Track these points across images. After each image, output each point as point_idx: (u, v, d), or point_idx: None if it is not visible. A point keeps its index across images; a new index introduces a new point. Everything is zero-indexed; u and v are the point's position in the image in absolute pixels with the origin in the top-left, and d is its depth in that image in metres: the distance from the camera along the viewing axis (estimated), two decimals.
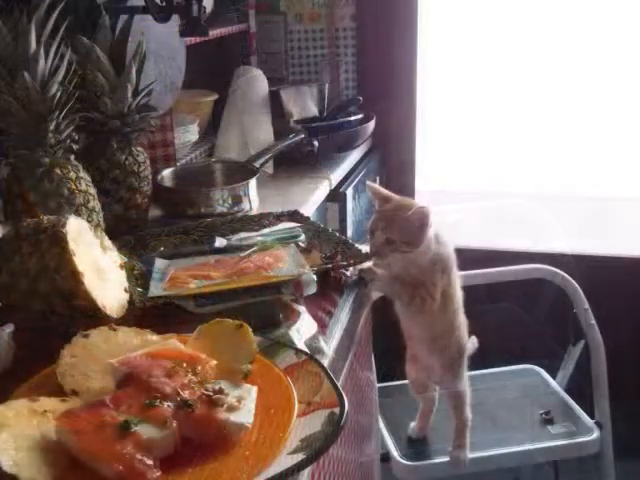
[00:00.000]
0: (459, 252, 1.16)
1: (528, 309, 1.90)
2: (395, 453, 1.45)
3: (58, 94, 0.98)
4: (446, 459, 1.40)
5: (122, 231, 1.17)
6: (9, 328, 0.76)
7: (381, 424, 1.50)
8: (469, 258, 1.26)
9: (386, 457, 1.45)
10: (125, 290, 0.91)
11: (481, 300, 1.42)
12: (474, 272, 1.63)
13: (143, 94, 1.19)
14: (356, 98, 2.03)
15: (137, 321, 0.82)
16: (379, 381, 1.32)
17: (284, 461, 0.57)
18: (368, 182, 1.13)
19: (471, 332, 1.30)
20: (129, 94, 1.16)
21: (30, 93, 0.95)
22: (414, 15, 2.13)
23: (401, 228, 1.04)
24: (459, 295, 1.20)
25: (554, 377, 1.72)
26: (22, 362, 0.76)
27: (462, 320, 1.24)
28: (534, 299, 1.81)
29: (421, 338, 1.24)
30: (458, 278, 1.18)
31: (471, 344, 1.37)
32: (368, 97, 2.05)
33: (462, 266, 1.19)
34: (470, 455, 1.39)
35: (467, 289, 1.24)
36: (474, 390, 1.36)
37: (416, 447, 1.46)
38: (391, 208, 1.09)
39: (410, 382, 1.42)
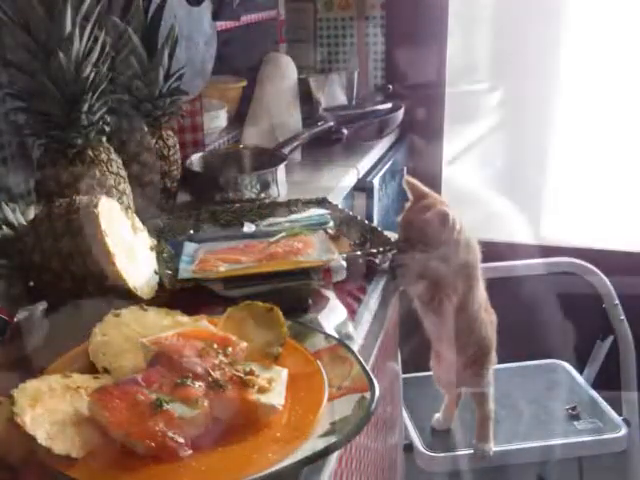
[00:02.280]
0: (485, 245, 1.14)
1: (556, 303, 1.87)
2: (418, 444, 1.44)
3: (92, 75, 0.98)
4: (470, 451, 1.39)
5: (151, 215, 1.17)
6: (42, 305, 0.77)
7: (404, 414, 1.49)
8: (495, 252, 1.24)
9: (409, 447, 1.44)
10: (155, 272, 0.91)
11: (508, 293, 1.40)
12: (501, 264, 1.61)
13: (174, 78, 1.20)
14: (386, 86, 2.02)
15: (167, 303, 0.82)
16: (403, 372, 1.32)
17: (315, 443, 0.57)
18: (406, 176, 1.11)
19: (498, 325, 1.29)
20: (160, 77, 1.17)
21: (64, 74, 0.95)
22: (444, 4, 2.11)
23: (419, 228, 1.02)
24: (482, 296, 1.18)
25: (581, 373, 1.70)
26: (54, 340, 0.77)
27: (485, 320, 1.21)
28: (562, 293, 1.78)
29: (438, 336, 1.23)
30: (481, 281, 1.16)
31: None
32: (396, 86, 2.03)
33: (488, 260, 1.17)
34: (494, 448, 1.37)
35: (493, 281, 1.22)
36: (500, 384, 1.35)
37: (440, 438, 1.45)
38: (417, 207, 1.06)
39: (435, 377, 1.41)
